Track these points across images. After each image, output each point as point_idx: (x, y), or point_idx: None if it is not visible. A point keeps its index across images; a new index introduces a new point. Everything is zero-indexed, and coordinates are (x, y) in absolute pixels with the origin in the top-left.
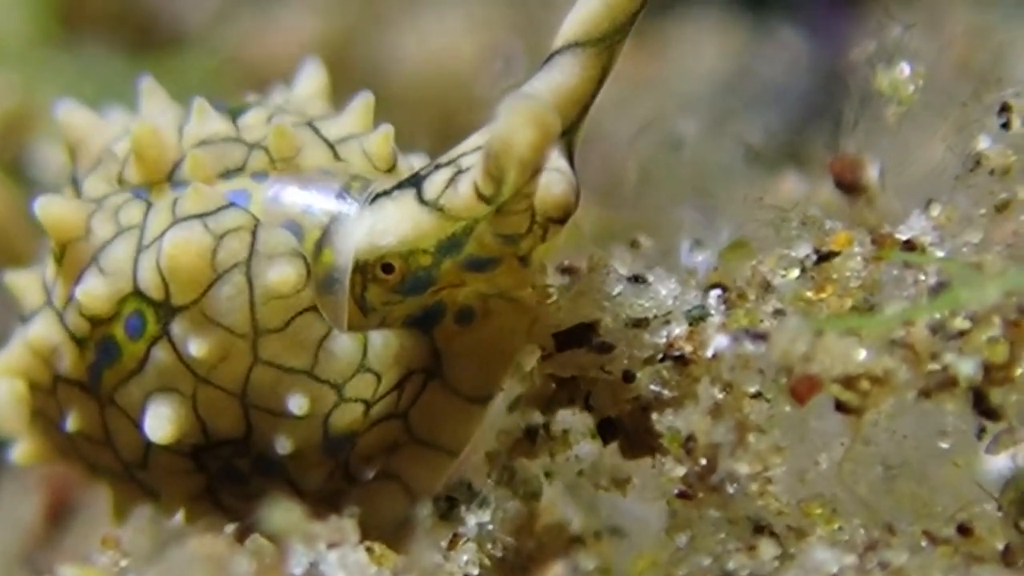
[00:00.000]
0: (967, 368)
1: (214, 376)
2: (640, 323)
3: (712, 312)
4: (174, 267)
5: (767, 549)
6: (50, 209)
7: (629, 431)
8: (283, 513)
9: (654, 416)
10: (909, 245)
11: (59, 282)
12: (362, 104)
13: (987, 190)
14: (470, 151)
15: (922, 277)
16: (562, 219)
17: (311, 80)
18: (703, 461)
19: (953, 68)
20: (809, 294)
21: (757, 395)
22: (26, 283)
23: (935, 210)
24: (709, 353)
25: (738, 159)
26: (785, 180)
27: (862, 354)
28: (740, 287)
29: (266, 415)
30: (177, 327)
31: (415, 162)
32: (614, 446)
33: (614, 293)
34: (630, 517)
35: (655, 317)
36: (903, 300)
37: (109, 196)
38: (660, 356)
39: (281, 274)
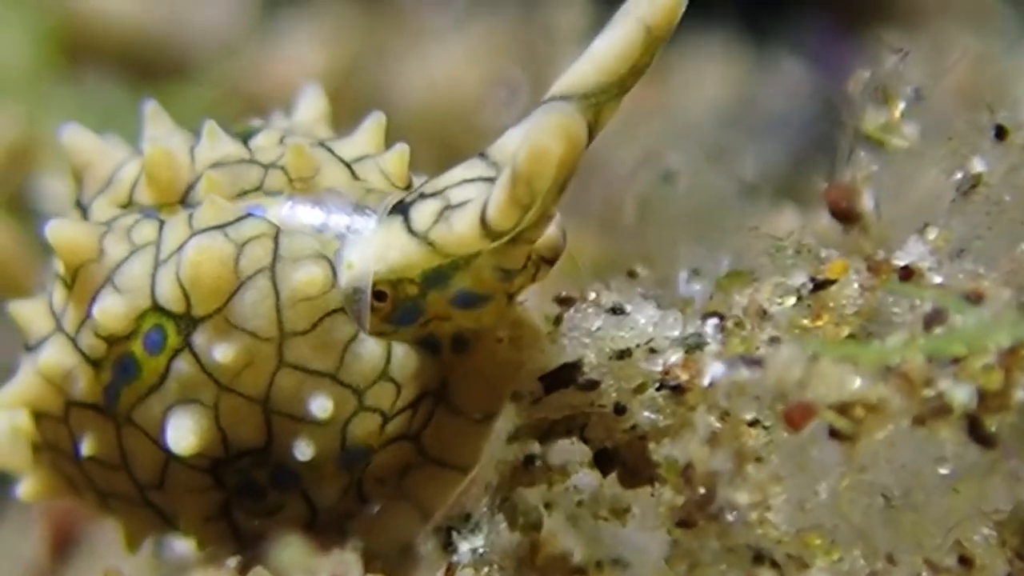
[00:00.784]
0: (962, 395)
1: (237, 383)
2: (623, 354)
3: (709, 341)
4: (196, 276)
5: None
6: (61, 232)
7: (627, 461)
8: (288, 550)
9: (651, 445)
10: (906, 271)
11: (71, 306)
12: (375, 124)
13: (984, 212)
14: (455, 184)
15: (918, 302)
16: (553, 260)
17: (312, 105)
18: (702, 490)
19: (952, 95)
20: (805, 322)
21: (754, 423)
22: (32, 312)
23: (931, 234)
24: (705, 381)
25: (736, 191)
26: (783, 213)
27: (857, 381)
28: (737, 315)
29: (287, 420)
30: (200, 337)
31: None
32: (613, 476)
33: (594, 328)
34: (631, 547)
35: (637, 346)
36: (901, 329)
37: (119, 217)
38: (657, 385)
39: (308, 274)
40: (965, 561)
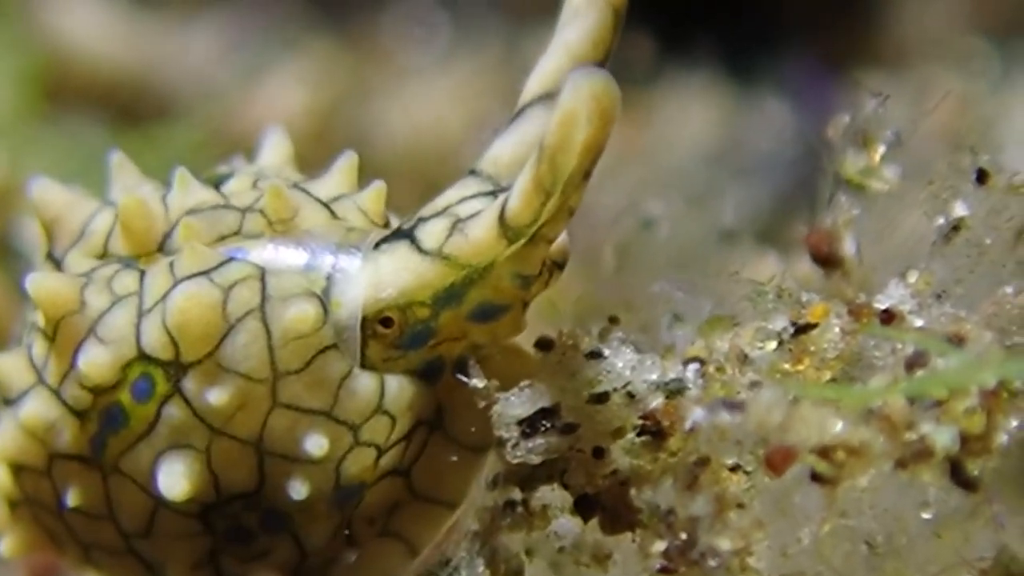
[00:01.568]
0: (944, 439)
1: (230, 426)
2: (601, 398)
3: (689, 386)
4: (184, 323)
5: None
6: (42, 284)
7: (607, 507)
8: None
9: (632, 491)
10: (887, 315)
11: (52, 358)
12: (347, 164)
13: (965, 256)
14: (456, 202)
15: (899, 346)
16: (563, 264)
17: (277, 148)
18: (683, 536)
19: (935, 137)
20: (786, 366)
21: (736, 467)
22: (10, 365)
23: (912, 277)
24: (687, 426)
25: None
26: (765, 258)
27: (838, 425)
28: (718, 360)
29: (281, 462)
30: (190, 383)
31: (395, 222)
32: (595, 522)
33: (572, 372)
34: None
35: (615, 390)
36: (883, 372)
37: (98, 268)
38: (637, 430)
39: (300, 312)
40: None
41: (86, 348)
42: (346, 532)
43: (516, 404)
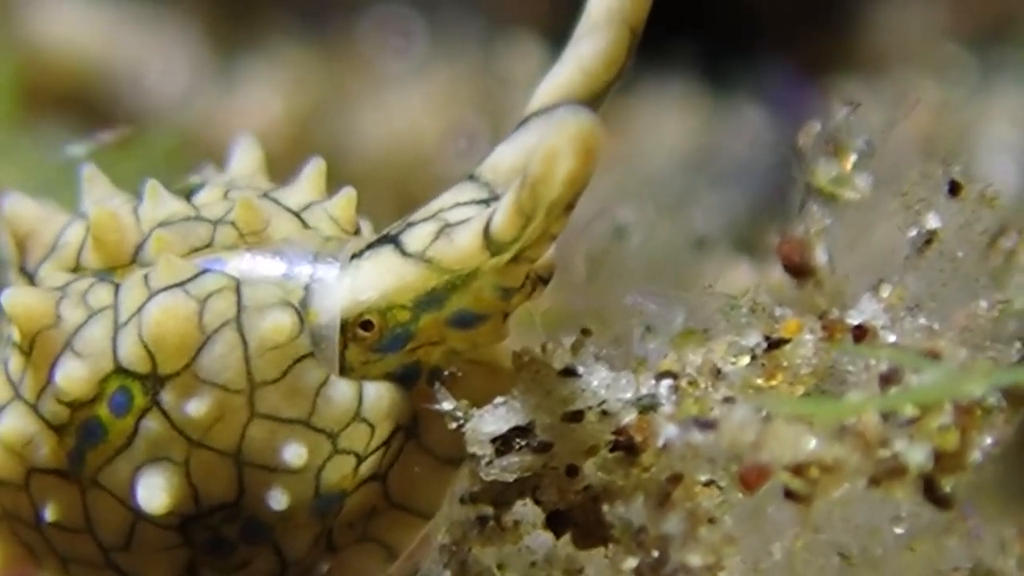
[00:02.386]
0: (918, 456)
1: (208, 438)
2: (576, 416)
3: (663, 402)
4: (160, 335)
5: None
6: (16, 299)
7: (580, 522)
8: None
9: (604, 507)
10: (860, 330)
11: (29, 373)
12: (315, 171)
13: (938, 269)
14: (449, 207)
15: (873, 362)
16: (548, 279)
17: (248, 157)
18: (655, 552)
19: (910, 144)
20: (759, 381)
21: (709, 483)
22: None
23: (885, 291)
24: (659, 443)
25: (692, 245)
26: (738, 268)
27: (812, 442)
28: (691, 375)
29: (260, 472)
30: (168, 395)
31: (366, 228)
32: (567, 537)
33: (547, 390)
34: None
35: (589, 409)
36: (857, 388)
37: (72, 283)
38: (610, 446)
39: (276, 322)
40: None
41: (63, 362)
42: (326, 539)
43: (490, 421)
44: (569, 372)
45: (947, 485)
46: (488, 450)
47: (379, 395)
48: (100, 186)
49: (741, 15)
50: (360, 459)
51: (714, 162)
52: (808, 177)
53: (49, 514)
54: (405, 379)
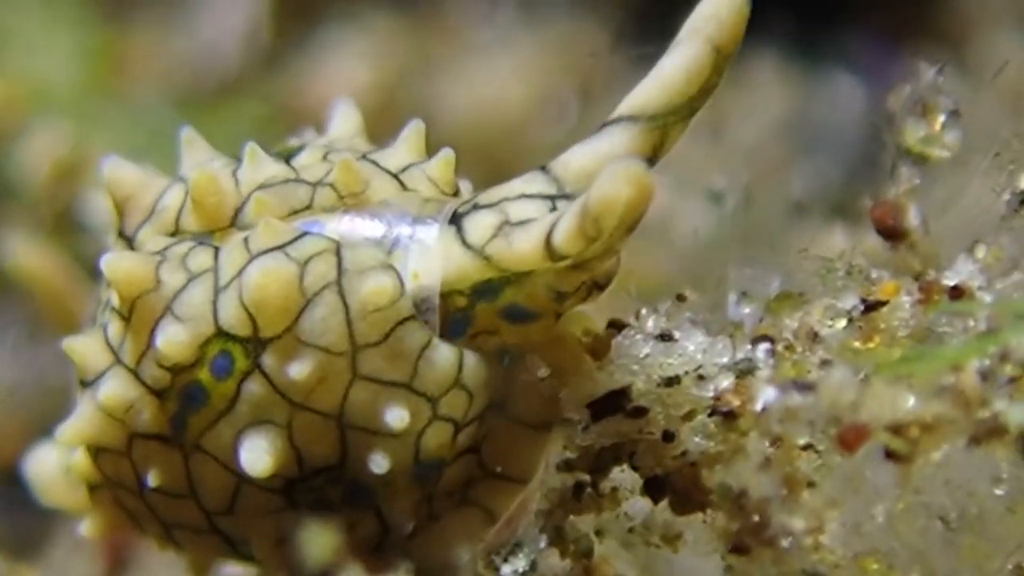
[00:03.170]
0: (1018, 415)
1: (311, 400)
2: (672, 381)
3: (760, 365)
4: (261, 299)
5: None
6: (117, 264)
7: (678, 488)
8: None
9: (703, 472)
10: (956, 291)
11: (129, 338)
12: (414, 132)
13: None
14: (514, 198)
15: (972, 323)
16: (606, 285)
17: (347, 120)
18: (755, 516)
19: (1001, 105)
20: (857, 344)
21: (807, 447)
22: (86, 346)
23: (980, 252)
24: (758, 407)
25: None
26: (833, 234)
27: (910, 400)
28: (787, 339)
29: (362, 435)
30: (270, 358)
31: (465, 189)
32: (665, 502)
33: (642, 355)
34: (685, 573)
35: (686, 373)
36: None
37: (171, 246)
38: (709, 411)
39: (377, 284)
40: None
41: (163, 326)
42: (427, 506)
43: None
44: (665, 337)
45: None
46: (584, 415)
47: (479, 363)
48: (199, 149)
49: None
50: (458, 427)
51: (807, 130)
52: (898, 139)
53: (152, 480)
54: None
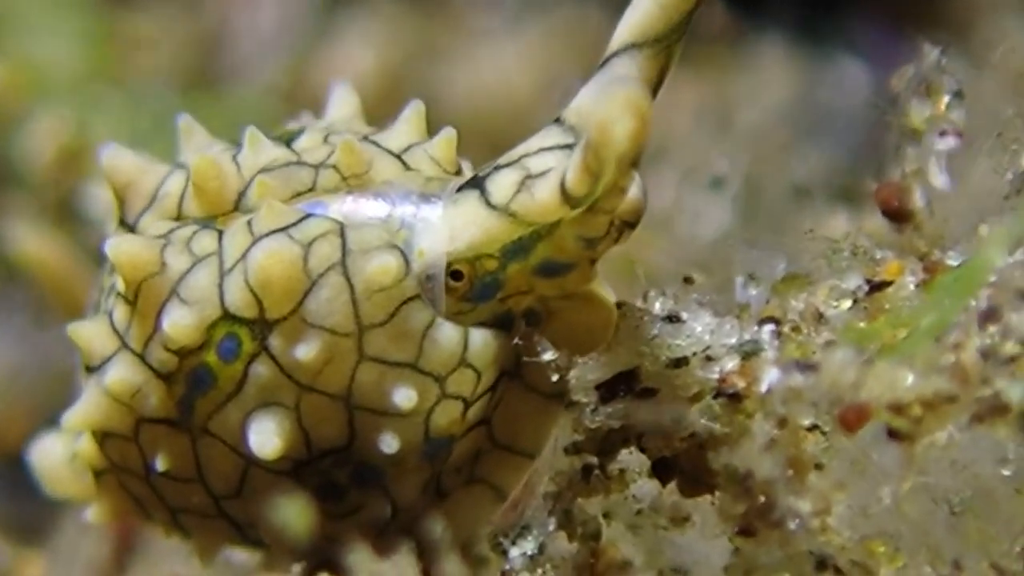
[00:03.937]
0: (1018, 393)
1: (318, 382)
2: (680, 362)
3: (765, 347)
4: (266, 280)
5: None
6: (123, 248)
7: (686, 470)
8: (354, 556)
9: (710, 454)
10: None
11: (135, 322)
12: (414, 113)
13: None
14: (534, 152)
15: (973, 302)
16: (635, 223)
17: (344, 103)
18: (762, 498)
19: (1003, 86)
20: (862, 324)
21: (812, 428)
22: (91, 331)
23: (984, 232)
24: (763, 388)
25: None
26: (837, 217)
27: (910, 377)
28: (793, 320)
29: (370, 416)
30: (276, 340)
31: (467, 168)
32: (673, 485)
33: (650, 336)
34: (692, 555)
35: (694, 355)
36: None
37: (175, 230)
38: (714, 393)
39: (382, 264)
40: None
41: (169, 310)
42: (435, 483)
43: (594, 368)
44: (673, 318)
45: None
46: (592, 397)
47: (485, 342)
48: (198, 136)
49: None
50: (467, 404)
51: (811, 114)
52: (902, 119)
53: (160, 464)
54: (500, 327)
